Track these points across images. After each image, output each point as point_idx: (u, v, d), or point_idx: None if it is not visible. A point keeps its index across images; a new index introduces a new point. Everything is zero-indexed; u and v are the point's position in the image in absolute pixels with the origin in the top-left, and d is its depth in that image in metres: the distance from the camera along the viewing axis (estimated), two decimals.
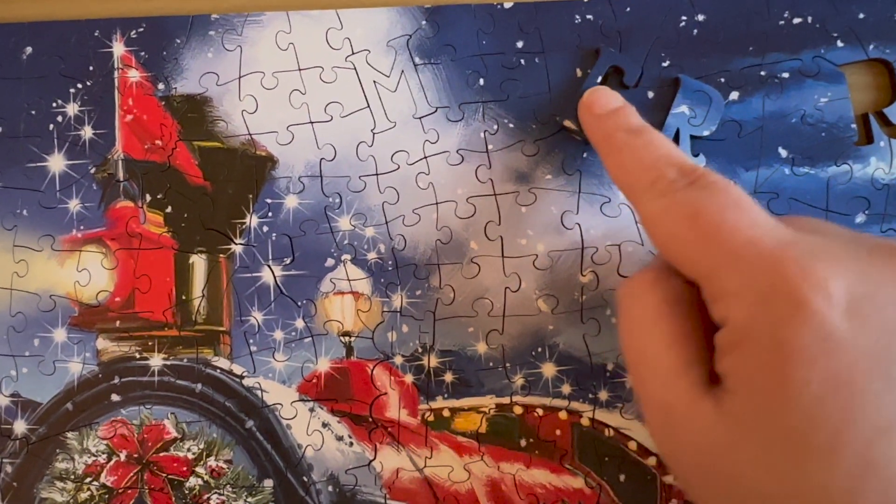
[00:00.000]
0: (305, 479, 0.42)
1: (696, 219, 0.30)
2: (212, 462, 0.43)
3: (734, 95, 0.42)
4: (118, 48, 0.45)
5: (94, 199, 0.45)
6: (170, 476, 0.43)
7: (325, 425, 0.43)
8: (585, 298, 0.42)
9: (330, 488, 0.42)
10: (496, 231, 0.43)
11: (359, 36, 0.44)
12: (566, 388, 0.42)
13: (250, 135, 0.44)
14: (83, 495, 0.43)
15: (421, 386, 0.43)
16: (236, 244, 0.44)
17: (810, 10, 0.42)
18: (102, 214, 0.45)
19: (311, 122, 0.44)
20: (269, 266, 0.44)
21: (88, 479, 0.44)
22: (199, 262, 0.44)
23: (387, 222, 0.43)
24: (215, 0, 0.46)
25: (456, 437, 0.42)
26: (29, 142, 0.45)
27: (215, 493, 0.43)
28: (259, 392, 0.43)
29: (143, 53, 0.45)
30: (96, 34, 0.45)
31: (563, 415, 0.42)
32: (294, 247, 0.44)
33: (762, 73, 0.42)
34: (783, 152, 0.42)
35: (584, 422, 0.42)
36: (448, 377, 0.43)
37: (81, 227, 0.45)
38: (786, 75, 0.42)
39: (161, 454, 0.43)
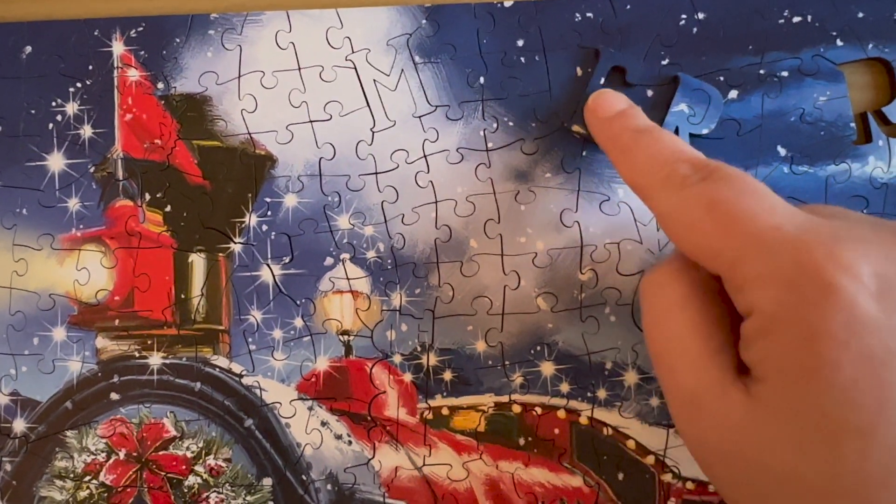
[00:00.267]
0: (304, 477, 0.42)
1: (714, 209, 0.30)
2: (211, 461, 0.43)
3: (733, 94, 0.42)
4: (118, 47, 0.45)
5: (93, 198, 0.45)
6: (169, 475, 0.43)
7: (323, 424, 0.43)
8: (584, 296, 0.42)
9: (329, 487, 0.42)
10: (495, 229, 0.43)
11: (359, 35, 0.44)
12: (565, 387, 0.42)
13: (250, 134, 0.44)
14: (82, 494, 0.43)
15: (420, 384, 0.43)
16: (235, 243, 0.44)
17: (810, 9, 0.42)
18: (102, 213, 0.45)
19: (311, 121, 0.44)
20: (268, 265, 0.44)
21: (87, 478, 0.44)
22: (198, 261, 0.44)
23: (386, 221, 0.43)
24: None
25: (455, 435, 0.42)
26: (28, 141, 0.45)
27: (214, 491, 0.43)
28: (258, 391, 0.43)
29: (142, 53, 0.45)
30: (96, 33, 0.45)
31: (561, 413, 0.42)
32: (293, 246, 0.44)
33: (761, 71, 0.42)
34: (782, 151, 0.42)
35: (583, 420, 0.42)
36: (447, 375, 0.42)
37: (81, 226, 0.45)
38: (785, 74, 0.42)
39: (160, 453, 0.43)
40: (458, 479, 0.42)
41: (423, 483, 0.42)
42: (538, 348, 0.42)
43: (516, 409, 0.42)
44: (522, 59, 0.43)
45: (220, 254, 0.44)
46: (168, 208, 0.44)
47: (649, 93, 0.42)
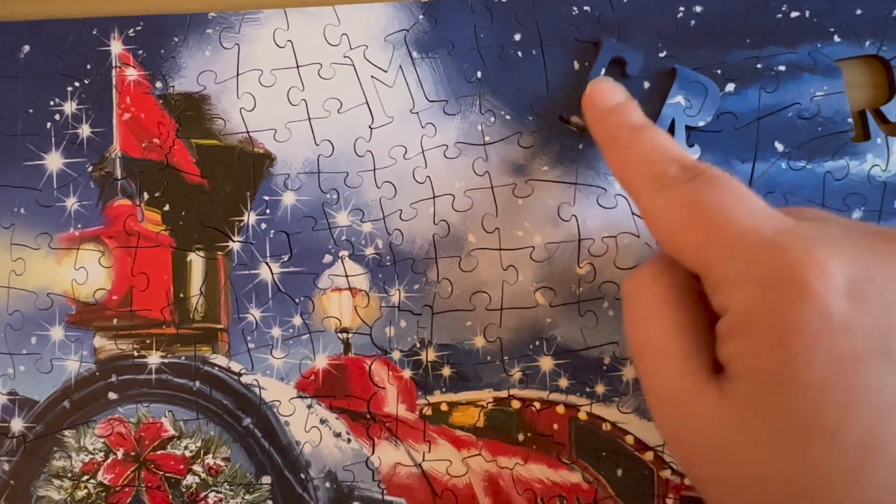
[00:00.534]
0: (303, 475, 0.42)
1: (696, 209, 0.31)
2: (209, 460, 0.43)
3: (730, 87, 0.42)
4: (116, 46, 0.45)
5: (91, 198, 0.45)
6: (167, 474, 0.43)
7: (322, 422, 0.43)
8: (582, 291, 0.42)
9: (328, 484, 0.42)
10: (493, 223, 0.43)
11: (356, 32, 0.44)
12: (563, 382, 0.42)
13: (248, 132, 0.44)
14: (80, 493, 0.43)
15: (419, 380, 0.43)
16: (234, 242, 0.44)
17: (808, 4, 0.42)
18: (100, 212, 0.45)
19: (310, 119, 0.44)
20: (266, 263, 0.44)
21: (85, 477, 0.43)
22: (196, 260, 0.44)
23: (384, 217, 0.43)
24: None
25: (454, 431, 0.42)
26: (27, 140, 0.45)
27: (213, 490, 0.43)
28: (257, 389, 0.43)
29: (140, 52, 0.45)
30: (94, 32, 0.45)
31: (560, 409, 0.42)
32: (292, 244, 0.44)
33: (759, 65, 0.42)
34: (779, 146, 0.42)
35: (582, 416, 0.42)
36: (446, 371, 0.42)
37: (79, 226, 0.45)
38: (782, 68, 0.42)
39: (158, 452, 0.43)
40: (457, 474, 0.42)
41: (423, 479, 0.42)
42: (537, 343, 0.42)
43: (515, 404, 0.42)
44: (520, 54, 0.43)
45: (219, 252, 0.44)
46: (166, 207, 0.44)
47: (647, 84, 0.42)
